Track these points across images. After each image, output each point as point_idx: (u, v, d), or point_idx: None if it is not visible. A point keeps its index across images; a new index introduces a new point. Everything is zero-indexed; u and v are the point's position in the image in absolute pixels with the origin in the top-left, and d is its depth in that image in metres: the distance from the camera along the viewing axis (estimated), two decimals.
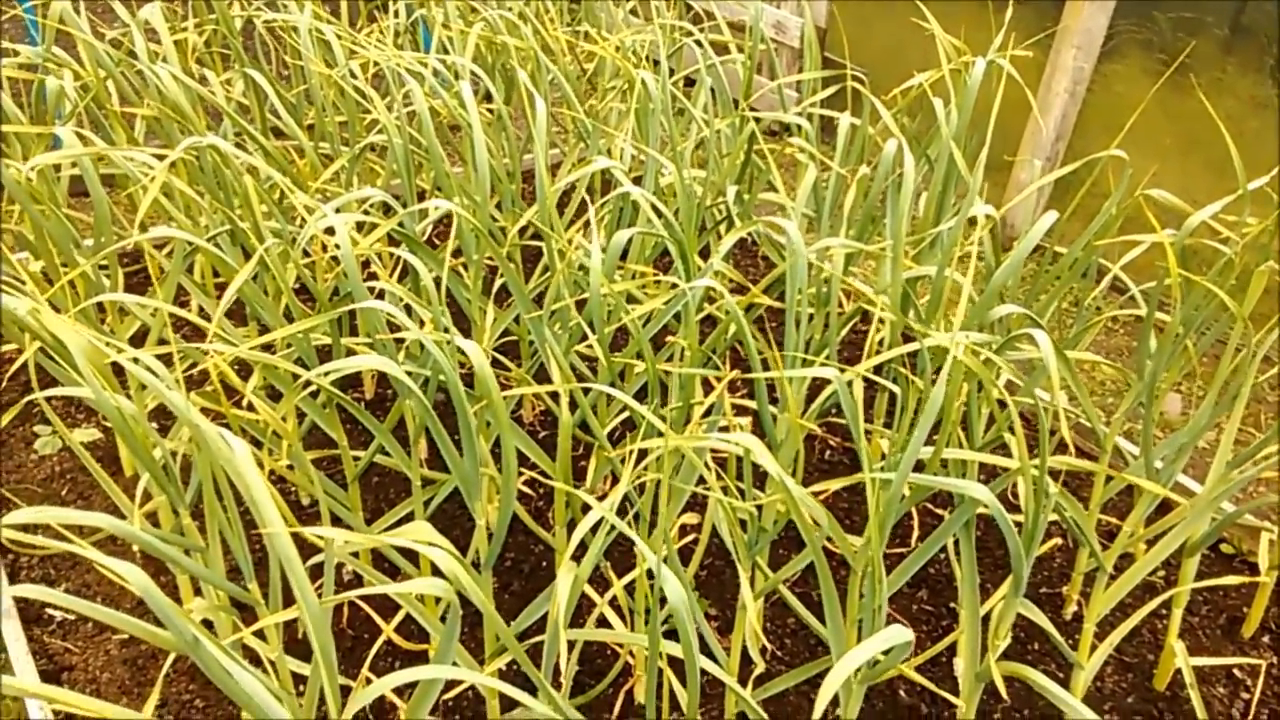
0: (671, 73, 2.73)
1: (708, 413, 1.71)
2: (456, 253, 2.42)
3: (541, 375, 2.51)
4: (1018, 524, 1.96)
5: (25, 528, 2.17)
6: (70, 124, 2.22)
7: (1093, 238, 1.86)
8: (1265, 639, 1.99)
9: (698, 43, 2.75)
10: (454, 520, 2.19)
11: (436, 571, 1.96)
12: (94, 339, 1.38)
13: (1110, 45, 3.23)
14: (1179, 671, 1.87)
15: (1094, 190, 2.01)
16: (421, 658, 1.88)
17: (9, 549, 2.08)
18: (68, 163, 2.21)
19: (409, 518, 1.92)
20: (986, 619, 1.83)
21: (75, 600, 1.12)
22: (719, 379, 1.57)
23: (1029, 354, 1.98)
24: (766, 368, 2.16)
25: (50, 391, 1.49)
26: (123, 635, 1.96)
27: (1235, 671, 1.92)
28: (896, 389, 1.63)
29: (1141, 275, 2.01)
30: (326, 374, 1.45)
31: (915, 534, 2.17)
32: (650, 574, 1.53)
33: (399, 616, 1.83)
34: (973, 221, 1.73)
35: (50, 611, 1.99)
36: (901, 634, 1.14)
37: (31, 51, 2.32)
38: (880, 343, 2.26)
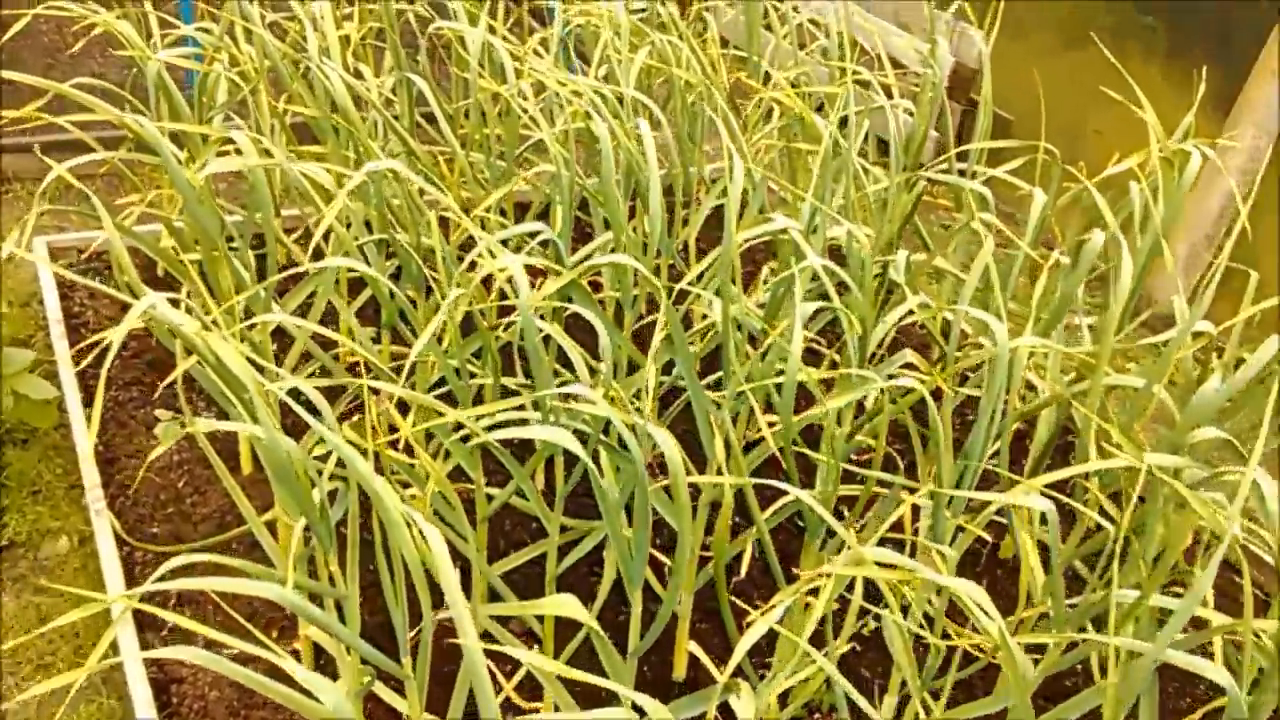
0: (844, 122, 2.57)
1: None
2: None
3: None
4: None
5: (145, 531, 2.13)
6: (220, 116, 2.18)
7: None
8: None
9: (864, 83, 2.62)
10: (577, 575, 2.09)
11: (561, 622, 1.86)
12: (252, 357, 1.31)
13: None
14: None
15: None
16: None
17: (126, 542, 2.04)
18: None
19: (537, 560, 1.84)
20: None
21: (208, 656, 1.07)
22: (911, 489, 1.45)
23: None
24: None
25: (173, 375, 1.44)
26: (232, 649, 1.91)
27: None
28: (1093, 515, 1.50)
29: None
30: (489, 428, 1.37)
31: None
32: None
33: (519, 675, 1.75)
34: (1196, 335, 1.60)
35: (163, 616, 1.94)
36: None
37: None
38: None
